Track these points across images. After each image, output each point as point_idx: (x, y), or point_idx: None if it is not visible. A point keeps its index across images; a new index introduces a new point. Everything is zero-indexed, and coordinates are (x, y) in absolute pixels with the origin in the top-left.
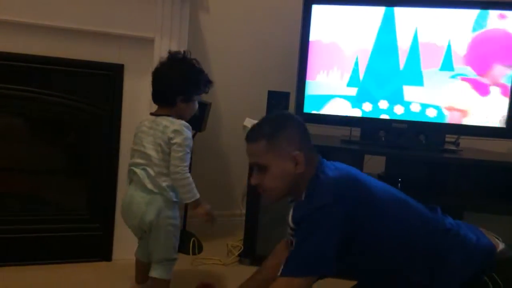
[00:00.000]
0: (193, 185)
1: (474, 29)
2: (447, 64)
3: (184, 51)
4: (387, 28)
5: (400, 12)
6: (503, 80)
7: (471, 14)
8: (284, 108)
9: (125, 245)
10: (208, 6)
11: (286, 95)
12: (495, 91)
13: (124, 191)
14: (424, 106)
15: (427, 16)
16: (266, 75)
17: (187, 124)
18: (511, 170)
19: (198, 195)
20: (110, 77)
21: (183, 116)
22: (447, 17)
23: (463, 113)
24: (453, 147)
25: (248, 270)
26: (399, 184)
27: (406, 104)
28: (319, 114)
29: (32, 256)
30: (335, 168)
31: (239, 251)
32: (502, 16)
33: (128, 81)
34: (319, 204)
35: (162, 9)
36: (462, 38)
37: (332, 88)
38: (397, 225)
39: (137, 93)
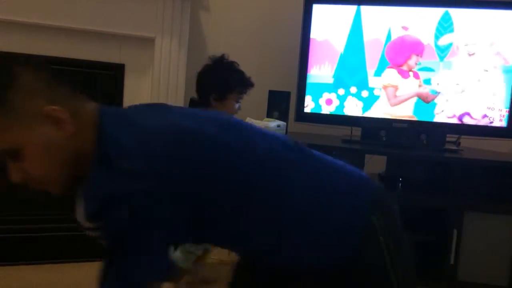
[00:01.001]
0: None
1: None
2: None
3: (223, 54)
4: (357, 25)
5: (368, 11)
6: (414, 68)
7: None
8: (285, 108)
9: None
10: (208, 5)
11: (286, 94)
12: (411, 75)
13: None
14: (380, 89)
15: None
16: (266, 74)
17: None
18: None
19: None
20: (111, 76)
21: None
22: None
23: (395, 88)
24: (454, 147)
25: None
26: (399, 184)
27: (371, 90)
28: (320, 114)
29: (32, 256)
30: (137, 112)
31: None
32: (405, 28)
33: (128, 80)
34: (126, 181)
35: (163, 8)
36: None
37: (320, 78)
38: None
39: (138, 93)
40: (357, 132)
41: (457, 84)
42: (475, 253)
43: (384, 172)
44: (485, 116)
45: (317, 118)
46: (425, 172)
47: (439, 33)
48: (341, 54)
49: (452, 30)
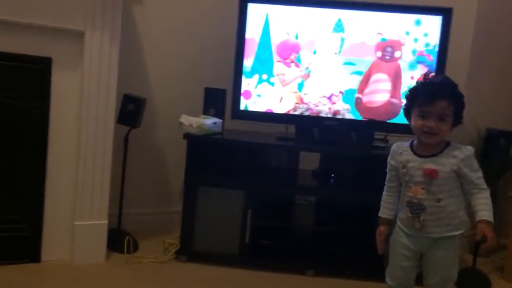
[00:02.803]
0: (382, 203)
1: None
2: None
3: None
4: (266, 25)
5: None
6: (296, 60)
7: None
8: (221, 106)
9: (55, 246)
10: None
11: (222, 92)
12: (293, 65)
13: (53, 191)
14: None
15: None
16: (202, 71)
17: (395, 144)
18: None
19: (379, 215)
20: (37, 71)
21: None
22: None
23: (283, 75)
24: (382, 144)
25: (185, 267)
26: (332, 179)
27: (273, 76)
28: (255, 111)
29: None
30: None
31: (176, 249)
32: (288, 33)
33: (56, 75)
34: None
35: (93, 0)
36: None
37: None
38: None
39: (67, 89)
40: (291, 129)
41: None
42: None
43: (318, 169)
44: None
45: (253, 115)
46: (354, 168)
47: (335, 31)
48: (257, 49)
49: (343, 30)
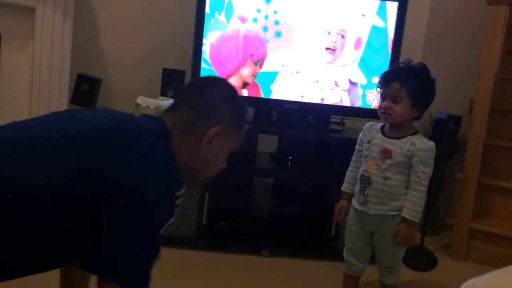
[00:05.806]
0: (346, 178)
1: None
2: None
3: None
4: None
5: None
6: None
7: None
8: (180, 87)
9: None
10: None
11: (181, 73)
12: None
13: None
14: None
15: None
16: (161, 51)
17: (369, 123)
18: None
19: (342, 189)
20: None
21: None
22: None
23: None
24: (338, 127)
25: None
26: (289, 162)
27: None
28: None
29: None
30: None
31: None
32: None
33: (5, 53)
34: None
35: None
36: None
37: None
38: None
39: (17, 66)
40: (251, 111)
41: None
42: None
43: (276, 151)
44: None
45: None
46: (311, 151)
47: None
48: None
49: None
